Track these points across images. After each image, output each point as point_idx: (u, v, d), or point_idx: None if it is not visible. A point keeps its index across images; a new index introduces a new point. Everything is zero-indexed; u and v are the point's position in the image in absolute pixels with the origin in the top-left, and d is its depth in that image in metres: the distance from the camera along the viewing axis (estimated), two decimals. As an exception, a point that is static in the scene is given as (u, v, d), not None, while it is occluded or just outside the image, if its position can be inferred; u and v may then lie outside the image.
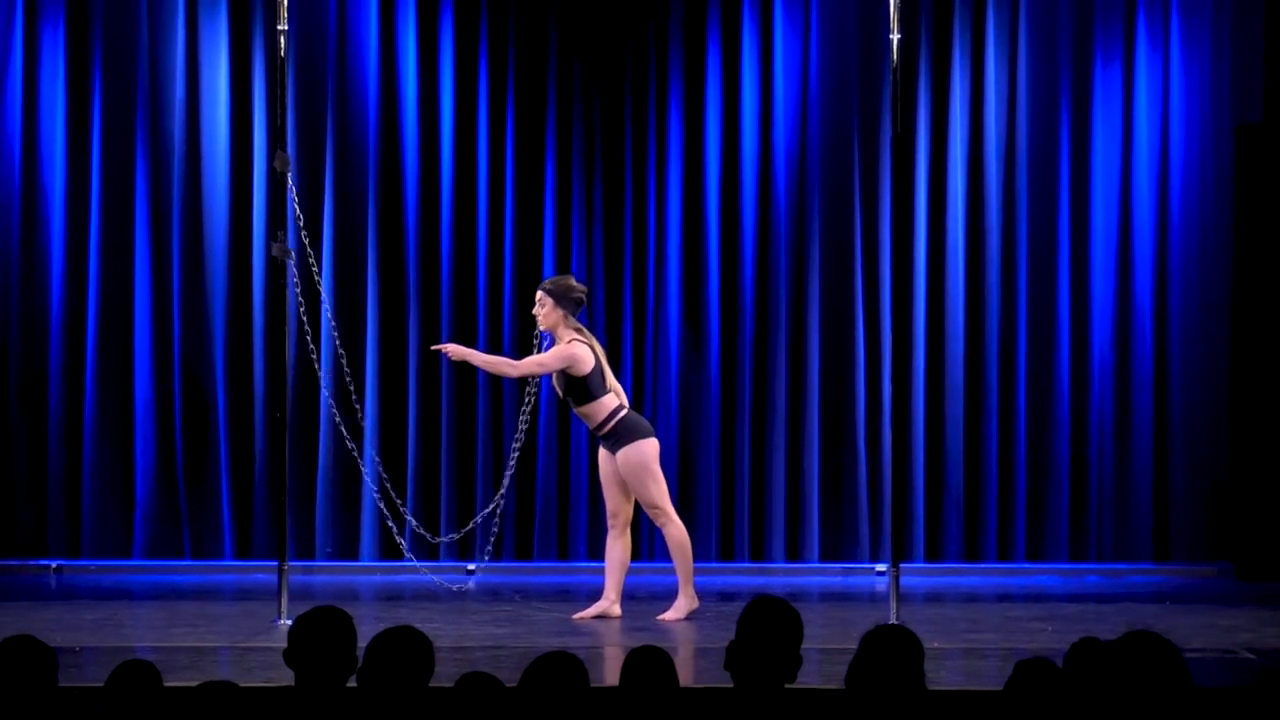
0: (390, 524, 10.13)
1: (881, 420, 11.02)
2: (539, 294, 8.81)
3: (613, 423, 8.70)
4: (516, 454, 9.53)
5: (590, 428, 8.85)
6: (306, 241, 9.29)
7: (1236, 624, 8.77)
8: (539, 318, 8.78)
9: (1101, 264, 11.10)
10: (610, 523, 8.86)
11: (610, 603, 8.81)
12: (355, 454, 9.79)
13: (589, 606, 8.86)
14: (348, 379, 9.79)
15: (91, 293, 11.06)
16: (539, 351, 8.97)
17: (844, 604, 9.73)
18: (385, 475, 10.03)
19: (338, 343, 9.62)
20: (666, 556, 10.98)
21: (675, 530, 8.80)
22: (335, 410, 9.68)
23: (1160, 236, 11.12)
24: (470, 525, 10.16)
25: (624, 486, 8.76)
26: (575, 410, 8.84)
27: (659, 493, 8.75)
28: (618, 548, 8.84)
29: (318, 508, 11.05)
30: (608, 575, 8.85)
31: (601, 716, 4.03)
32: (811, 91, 11.15)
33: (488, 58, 11.15)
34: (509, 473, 9.79)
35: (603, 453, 8.82)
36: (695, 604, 8.79)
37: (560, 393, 8.81)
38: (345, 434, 9.91)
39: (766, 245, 11.15)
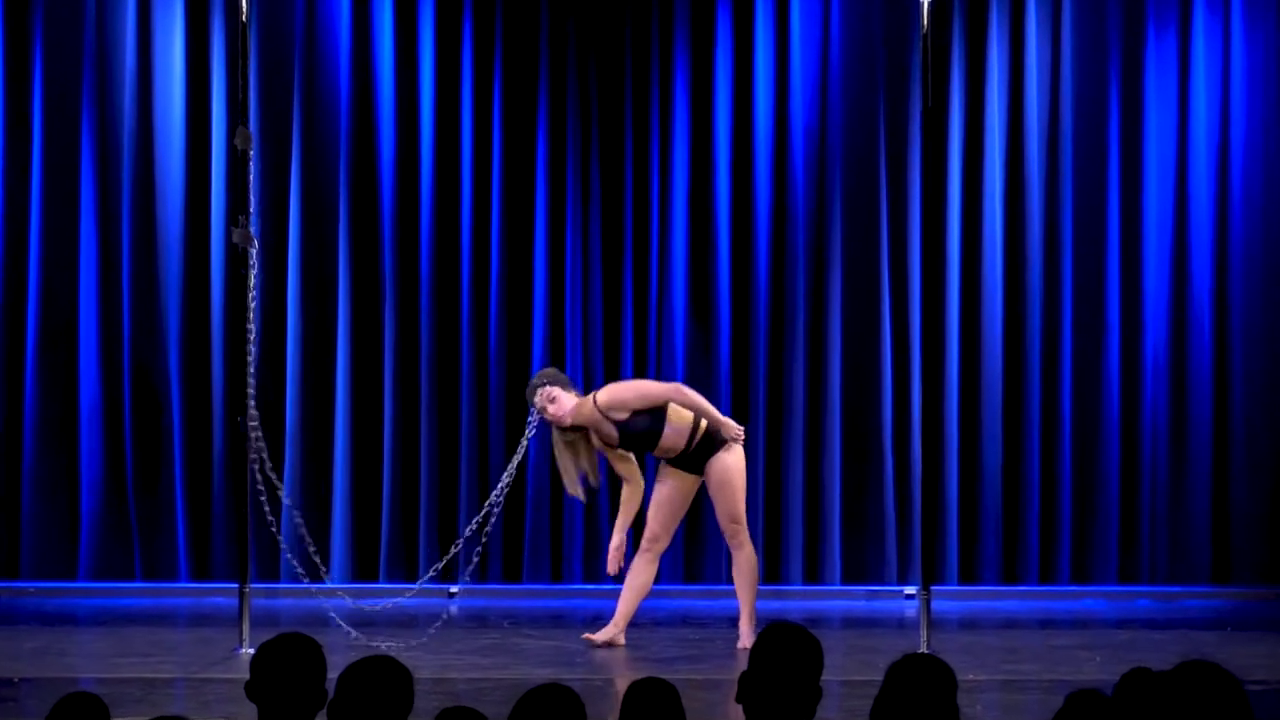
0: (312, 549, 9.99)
1: (910, 427, 11.02)
2: (542, 392, 8.77)
3: (699, 436, 8.76)
4: (506, 484, 9.39)
5: (671, 458, 8.83)
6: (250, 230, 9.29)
7: (1304, 653, 8.80)
8: (558, 414, 8.75)
9: (1155, 254, 11.10)
10: (648, 546, 8.89)
11: (619, 630, 8.84)
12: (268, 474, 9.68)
13: (601, 629, 8.87)
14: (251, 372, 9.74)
15: (32, 284, 11.06)
16: (526, 439, 9.10)
17: (869, 631, 9.74)
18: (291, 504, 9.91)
19: (250, 337, 9.41)
20: (673, 579, 11.04)
21: (750, 551, 8.90)
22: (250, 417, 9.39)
23: (1220, 224, 11.11)
24: (452, 551, 10.06)
25: (678, 510, 8.83)
26: (654, 453, 8.85)
27: (743, 506, 8.84)
28: (648, 573, 8.89)
29: (283, 523, 11.04)
30: (627, 601, 8.86)
31: (598, 756, 4.03)
32: (832, 62, 11.15)
33: (472, 21, 11.15)
34: (497, 495, 9.72)
35: (670, 471, 8.85)
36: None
37: (626, 449, 8.81)
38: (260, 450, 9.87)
39: (783, 233, 11.15)
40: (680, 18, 11.16)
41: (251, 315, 8.78)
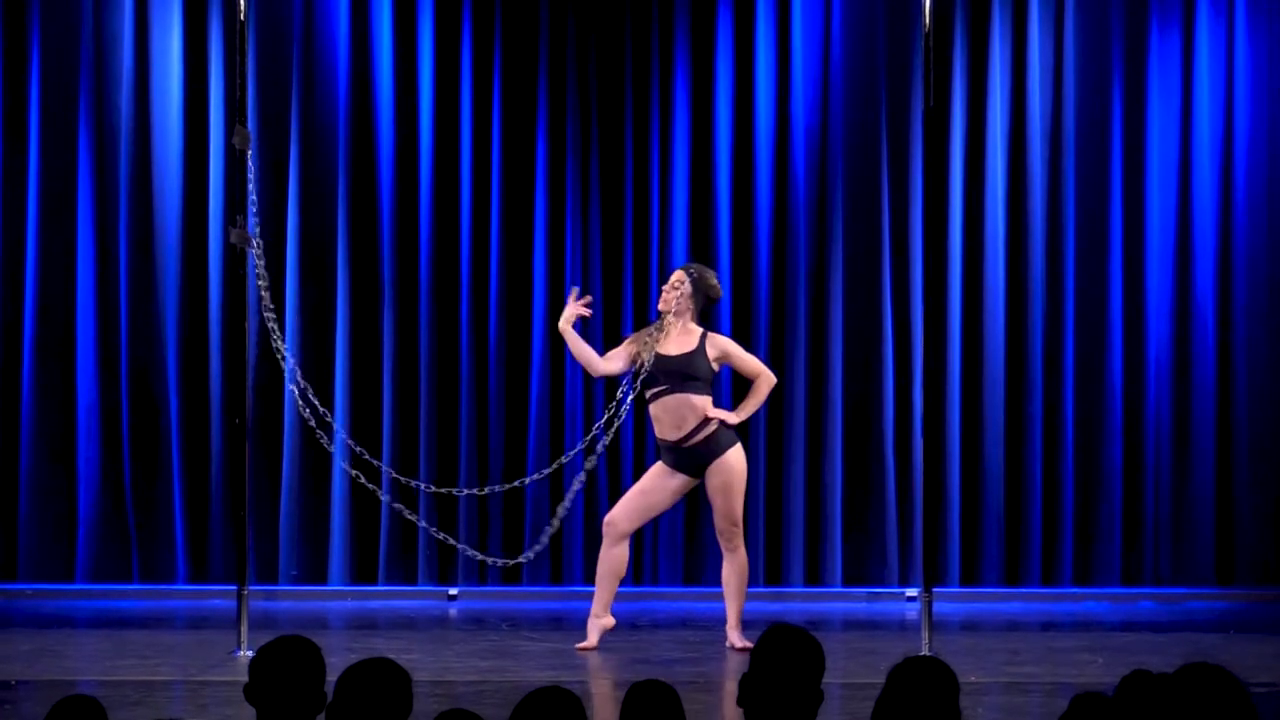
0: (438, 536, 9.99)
1: (912, 428, 11.02)
2: (680, 273, 8.92)
3: (703, 433, 8.77)
4: (582, 479, 9.38)
5: (693, 426, 8.75)
6: (258, 231, 9.30)
7: (1308, 655, 8.80)
8: (672, 299, 8.85)
9: (1158, 254, 11.10)
10: (609, 531, 8.89)
11: (604, 610, 8.84)
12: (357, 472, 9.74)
13: (587, 636, 8.87)
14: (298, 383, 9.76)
15: (29, 284, 11.05)
16: (623, 387, 9.16)
17: (870, 633, 9.74)
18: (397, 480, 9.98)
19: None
20: (673, 581, 11.04)
21: (743, 556, 8.90)
22: (307, 409, 9.57)
23: (1223, 223, 11.11)
24: (536, 547, 9.99)
25: (654, 506, 8.87)
26: (684, 407, 8.78)
27: (741, 509, 8.87)
28: (616, 552, 8.88)
29: (281, 525, 11.05)
30: (608, 587, 8.85)
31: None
32: (834, 60, 11.15)
33: (471, 19, 11.15)
34: (575, 489, 9.74)
35: (663, 469, 8.85)
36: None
37: (708, 388, 8.83)
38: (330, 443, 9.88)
39: (783, 233, 11.14)
40: (681, 16, 11.15)
41: (249, 314, 8.78)
